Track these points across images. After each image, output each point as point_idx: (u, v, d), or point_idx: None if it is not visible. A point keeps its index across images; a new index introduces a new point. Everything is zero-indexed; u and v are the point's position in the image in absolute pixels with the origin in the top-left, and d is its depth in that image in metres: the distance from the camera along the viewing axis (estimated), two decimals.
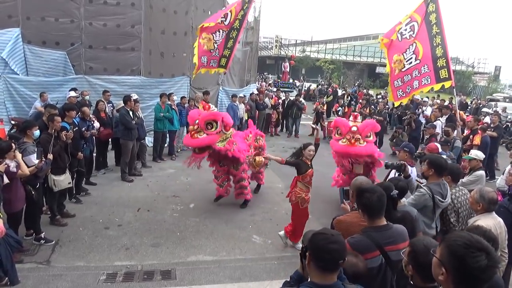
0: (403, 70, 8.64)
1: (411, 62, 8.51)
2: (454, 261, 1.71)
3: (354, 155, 6.70)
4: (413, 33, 8.55)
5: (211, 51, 9.01)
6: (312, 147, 5.70)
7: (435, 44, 8.21)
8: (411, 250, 2.21)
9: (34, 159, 5.18)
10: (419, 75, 8.40)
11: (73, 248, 5.54)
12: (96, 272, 4.97)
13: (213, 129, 6.59)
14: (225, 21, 8.99)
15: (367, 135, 6.77)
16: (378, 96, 23.18)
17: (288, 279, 2.41)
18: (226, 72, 10.79)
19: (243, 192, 7.38)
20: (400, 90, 8.74)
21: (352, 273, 2.38)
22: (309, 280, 2.16)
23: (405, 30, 8.63)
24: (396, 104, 9.87)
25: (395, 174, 4.57)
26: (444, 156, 6.21)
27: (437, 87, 8.37)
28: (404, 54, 8.60)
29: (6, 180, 4.56)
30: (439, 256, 1.79)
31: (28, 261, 5.10)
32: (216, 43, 9.03)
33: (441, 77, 8.20)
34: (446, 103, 16.82)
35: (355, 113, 6.98)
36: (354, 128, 6.62)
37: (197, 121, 6.57)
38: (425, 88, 8.56)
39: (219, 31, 9.02)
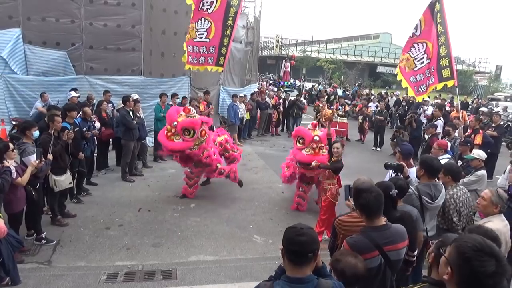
0: (415, 69, 8.68)
1: (423, 62, 8.55)
2: (460, 262, 1.68)
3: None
4: (416, 31, 8.59)
5: (194, 40, 8.89)
6: (337, 144, 6.09)
7: (439, 44, 8.24)
8: (441, 240, 2.22)
9: (33, 159, 5.18)
10: (429, 75, 8.49)
11: (74, 248, 5.54)
12: (97, 272, 4.97)
13: (189, 136, 6.83)
14: (209, 9, 8.81)
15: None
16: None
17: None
18: (223, 71, 10.75)
19: (234, 175, 7.66)
20: (421, 85, 8.77)
21: (352, 274, 2.38)
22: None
23: (415, 30, 8.68)
24: (419, 99, 10.00)
25: (391, 175, 4.54)
26: (449, 156, 6.22)
27: (439, 86, 8.40)
28: (410, 52, 8.63)
29: None
30: (447, 255, 1.78)
31: (29, 261, 5.11)
32: (198, 33, 8.90)
33: (444, 76, 8.22)
34: (444, 103, 16.84)
35: (315, 122, 7.34)
36: (317, 138, 6.83)
37: (175, 124, 6.74)
38: (431, 88, 8.60)
39: (201, 20, 8.85)
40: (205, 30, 8.82)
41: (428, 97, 18.55)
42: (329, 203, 6.13)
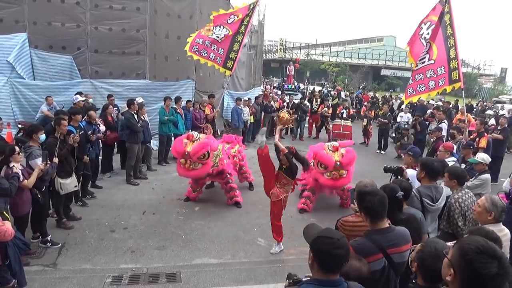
0: (415, 69, 8.72)
1: (424, 62, 8.53)
2: (463, 264, 1.70)
3: (340, 186, 7.30)
4: (428, 34, 8.61)
5: (208, 36, 9.19)
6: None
7: (449, 46, 8.22)
8: (421, 250, 2.22)
9: (40, 162, 5.22)
10: (435, 76, 8.43)
11: (79, 251, 5.58)
12: (102, 274, 5.00)
13: (205, 159, 6.95)
14: (229, 19, 9.18)
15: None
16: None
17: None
18: (231, 75, 10.91)
19: (234, 194, 7.63)
20: (411, 88, 8.79)
21: (356, 277, 2.38)
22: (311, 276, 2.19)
23: (428, 34, 8.68)
24: (406, 102, 9.97)
25: (391, 178, 4.52)
26: (454, 159, 6.20)
27: (449, 88, 8.37)
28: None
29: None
30: (450, 257, 1.79)
31: (34, 264, 5.15)
32: (214, 34, 9.19)
33: (453, 79, 8.21)
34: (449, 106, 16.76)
35: (335, 145, 7.39)
36: (338, 164, 6.98)
37: (187, 154, 6.80)
38: (440, 90, 8.58)
39: (220, 26, 9.20)
40: (223, 34, 9.10)
41: (433, 99, 18.54)
42: (278, 204, 5.75)
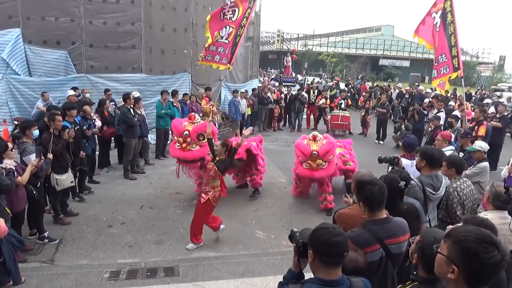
0: (442, 61, 8.50)
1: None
2: (467, 259, 1.60)
3: (318, 179, 6.80)
4: (436, 25, 8.47)
5: (218, 41, 9.07)
6: (218, 142, 5.58)
7: (450, 33, 8.13)
8: (420, 240, 2.18)
9: (33, 159, 5.17)
10: (436, 65, 8.33)
11: (77, 247, 5.56)
12: (99, 270, 4.98)
13: (204, 140, 6.56)
14: (232, 17, 9.05)
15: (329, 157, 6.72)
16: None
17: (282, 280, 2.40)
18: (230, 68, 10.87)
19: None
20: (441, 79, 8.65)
21: (352, 268, 2.35)
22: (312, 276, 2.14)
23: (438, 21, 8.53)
24: (443, 92, 9.81)
25: (388, 168, 4.48)
26: (452, 148, 6.16)
27: (453, 76, 8.24)
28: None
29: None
30: (447, 253, 1.67)
31: (32, 260, 5.13)
32: (222, 38, 9.07)
33: (455, 66, 8.11)
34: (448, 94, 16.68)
35: (314, 134, 7.04)
36: (315, 154, 6.61)
37: (186, 133, 6.63)
38: (444, 78, 8.41)
39: (226, 27, 9.09)
40: (227, 33, 8.97)
41: (431, 88, 18.38)
42: (207, 204, 5.55)
